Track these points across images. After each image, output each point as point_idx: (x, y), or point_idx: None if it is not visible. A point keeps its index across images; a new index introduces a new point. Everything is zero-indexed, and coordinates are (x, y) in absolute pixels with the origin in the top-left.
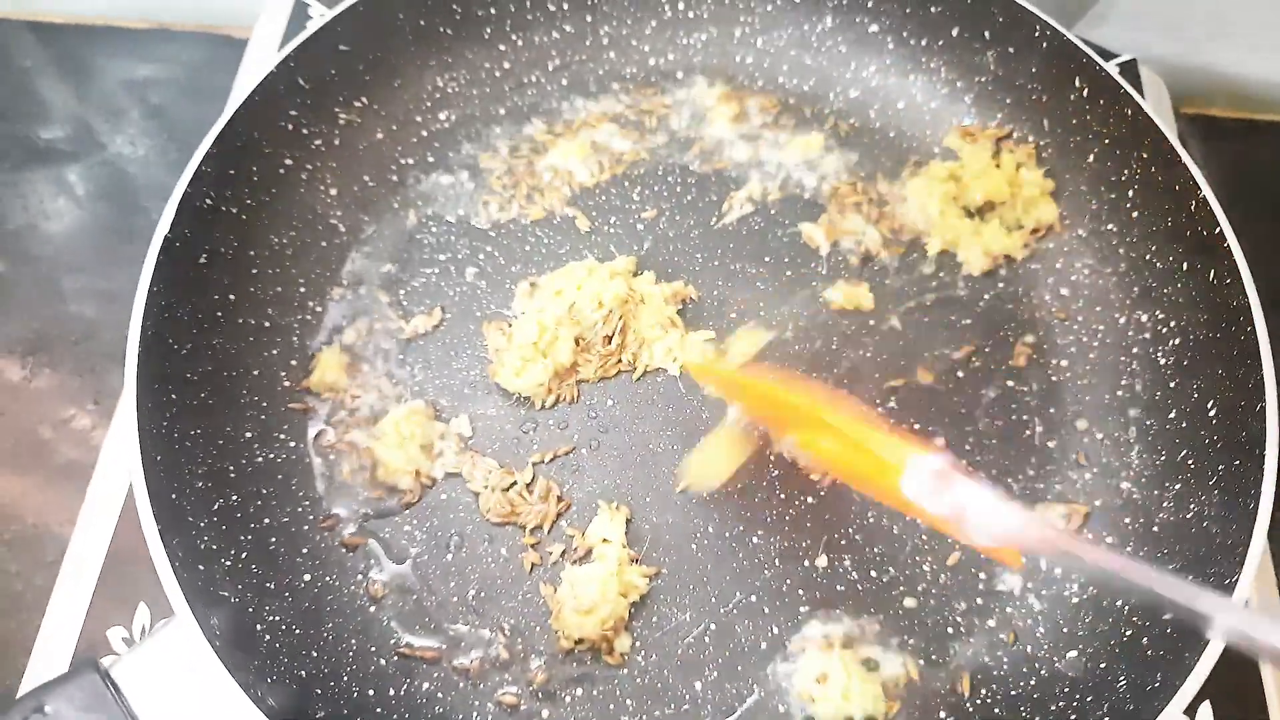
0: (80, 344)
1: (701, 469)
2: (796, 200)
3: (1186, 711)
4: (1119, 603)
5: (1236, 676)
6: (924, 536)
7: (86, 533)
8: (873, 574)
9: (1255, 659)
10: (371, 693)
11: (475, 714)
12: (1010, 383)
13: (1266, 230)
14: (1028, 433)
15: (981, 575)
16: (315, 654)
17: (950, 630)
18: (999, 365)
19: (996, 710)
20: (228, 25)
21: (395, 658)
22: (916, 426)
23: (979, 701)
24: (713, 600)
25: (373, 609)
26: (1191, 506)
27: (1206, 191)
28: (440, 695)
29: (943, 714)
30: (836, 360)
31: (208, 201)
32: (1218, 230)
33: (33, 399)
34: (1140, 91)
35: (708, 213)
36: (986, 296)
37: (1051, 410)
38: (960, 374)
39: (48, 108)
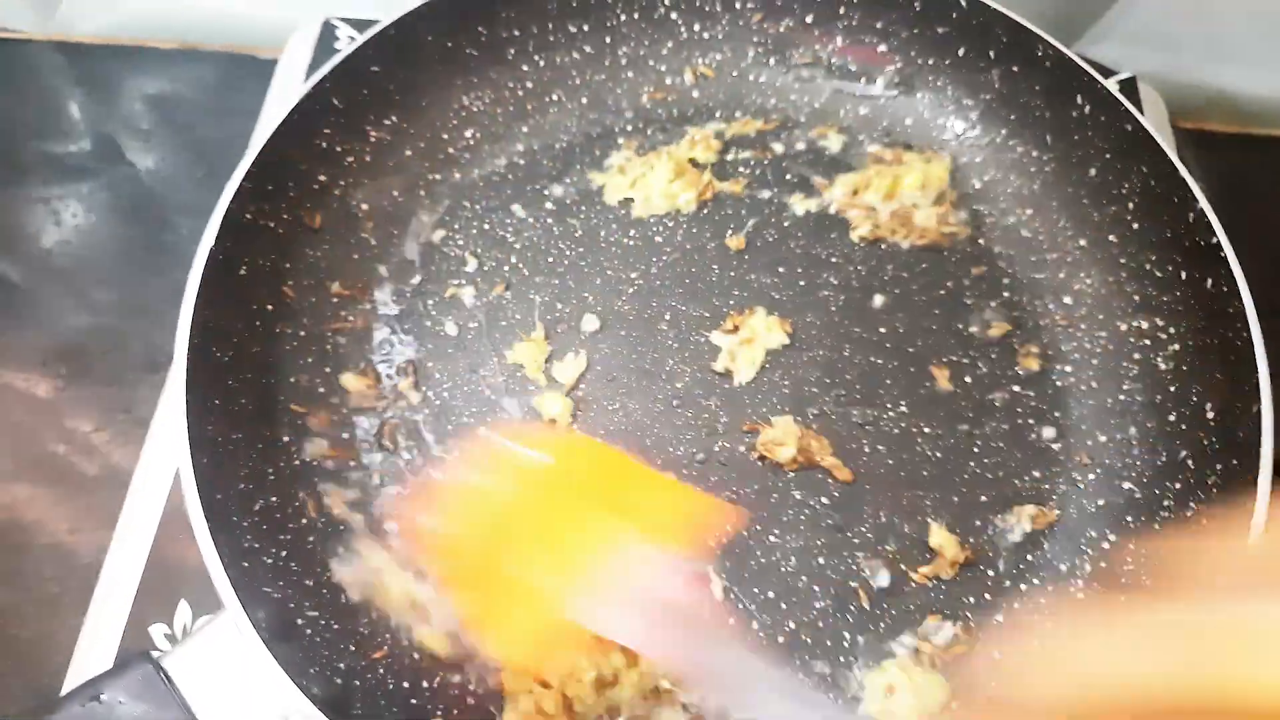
0: (109, 356)
1: None
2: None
3: None
4: (1122, 600)
5: None
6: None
7: (128, 534)
8: None
9: None
10: (406, 685)
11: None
12: (1016, 388)
13: (1261, 239)
14: (1033, 436)
15: (989, 573)
16: (353, 648)
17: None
18: (1005, 371)
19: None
20: (255, 46)
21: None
22: (927, 430)
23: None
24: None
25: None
26: (1191, 505)
27: (1204, 203)
28: (473, 688)
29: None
30: (848, 366)
31: (247, 217)
32: (1215, 240)
33: (62, 411)
34: (1139, 107)
35: (723, 225)
36: (993, 304)
37: (1057, 414)
38: (968, 379)
39: (77, 126)
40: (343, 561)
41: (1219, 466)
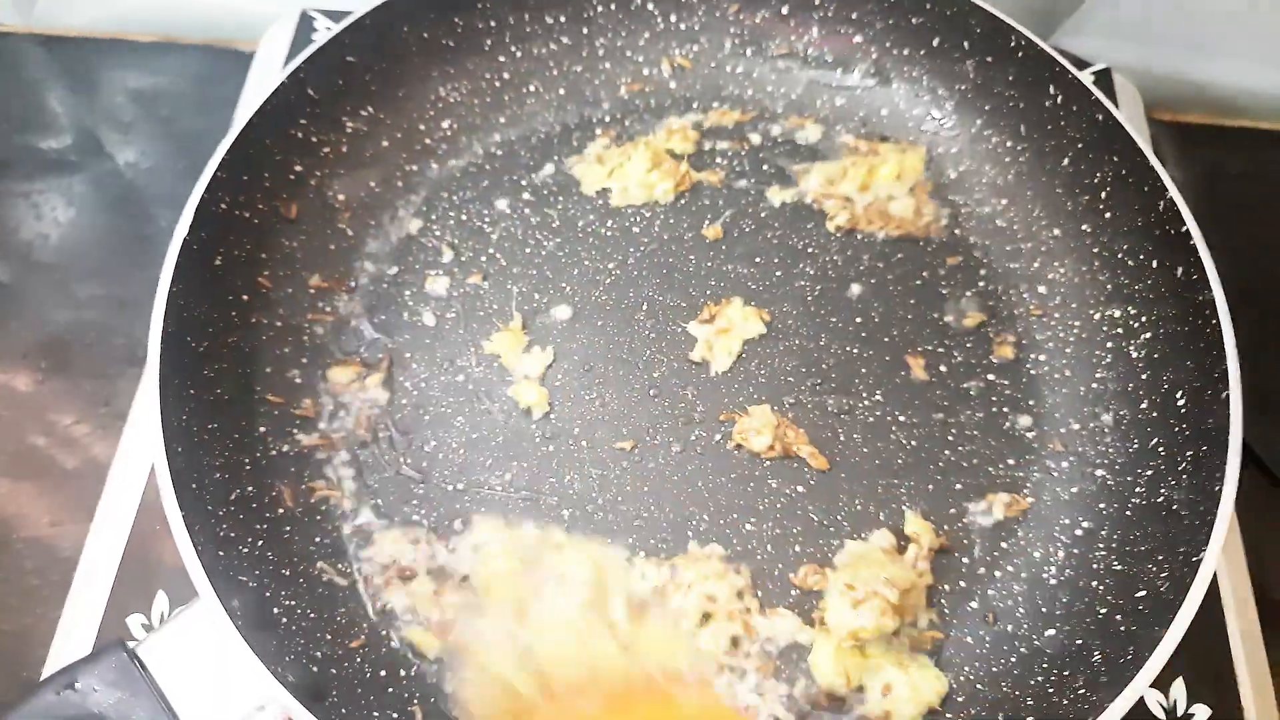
0: (91, 349)
1: None
2: (786, 205)
3: (1160, 688)
4: (1094, 583)
5: (1209, 654)
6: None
7: (105, 526)
8: None
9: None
10: (383, 673)
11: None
12: (991, 377)
13: (1234, 229)
14: (1008, 424)
15: (964, 560)
16: (330, 637)
17: (935, 614)
18: (980, 360)
19: (979, 686)
20: (234, 39)
21: (406, 641)
22: (902, 419)
23: (962, 679)
24: None
25: (384, 596)
26: (1162, 491)
27: (1174, 193)
28: (449, 675)
29: None
30: (825, 355)
31: (222, 206)
32: (1184, 229)
33: (44, 405)
34: (1114, 99)
35: (700, 216)
36: (968, 294)
37: (1031, 403)
38: (944, 368)
39: (58, 119)
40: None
41: (1189, 453)
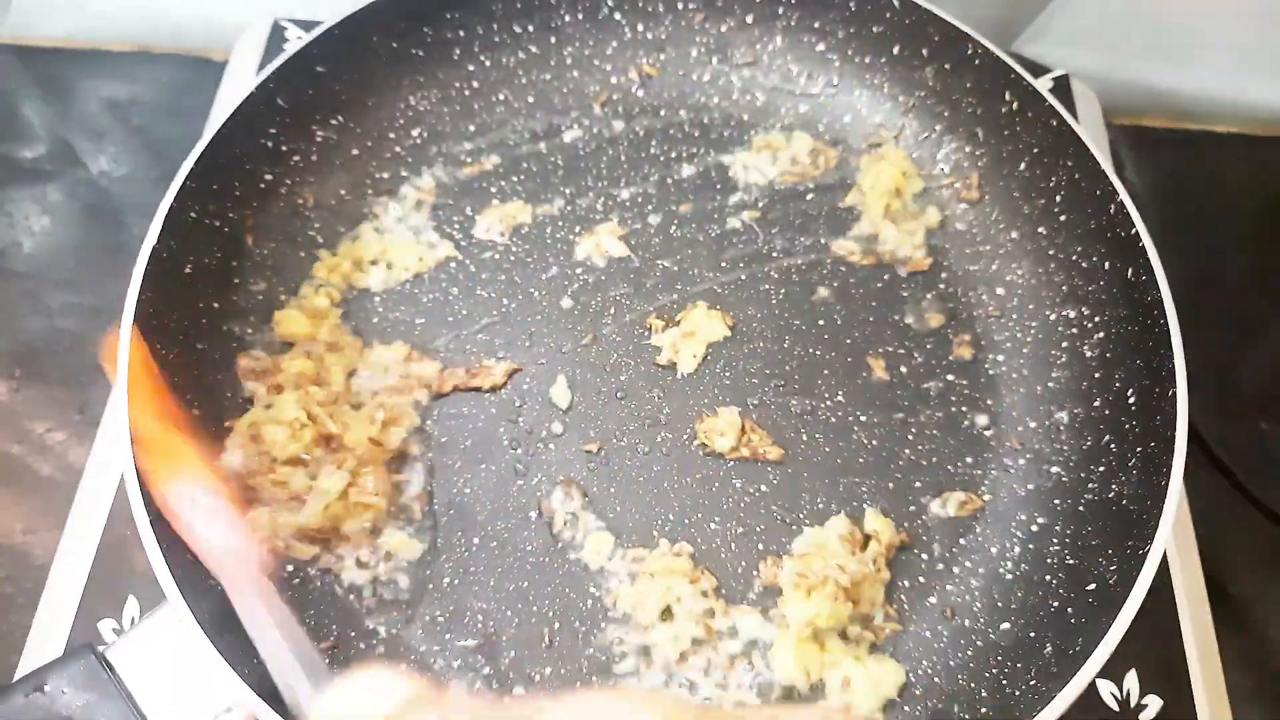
0: (64, 357)
1: None
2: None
3: (1114, 679)
4: (1047, 578)
5: (1162, 647)
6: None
7: (77, 532)
8: None
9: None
10: None
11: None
12: (950, 377)
13: (1192, 231)
14: (966, 423)
15: (923, 556)
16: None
17: (894, 609)
18: (940, 361)
19: (936, 679)
20: (207, 48)
21: (374, 643)
22: (863, 419)
23: (920, 672)
24: None
25: (350, 598)
26: (1113, 487)
27: (1124, 196)
28: (417, 677)
29: None
30: (788, 357)
31: (192, 215)
32: (1134, 231)
33: (18, 413)
34: (1072, 104)
35: (668, 220)
36: (929, 296)
37: (989, 402)
38: (904, 369)
39: (31, 128)
40: None
41: (1139, 450)
